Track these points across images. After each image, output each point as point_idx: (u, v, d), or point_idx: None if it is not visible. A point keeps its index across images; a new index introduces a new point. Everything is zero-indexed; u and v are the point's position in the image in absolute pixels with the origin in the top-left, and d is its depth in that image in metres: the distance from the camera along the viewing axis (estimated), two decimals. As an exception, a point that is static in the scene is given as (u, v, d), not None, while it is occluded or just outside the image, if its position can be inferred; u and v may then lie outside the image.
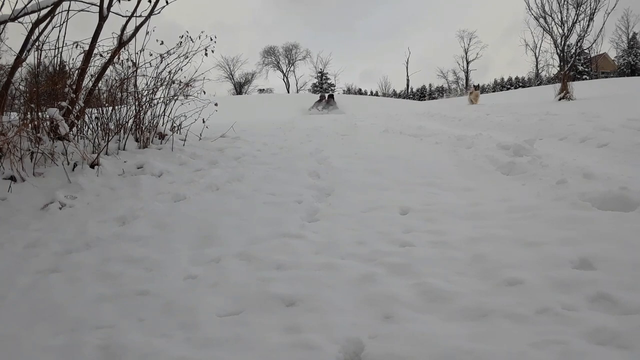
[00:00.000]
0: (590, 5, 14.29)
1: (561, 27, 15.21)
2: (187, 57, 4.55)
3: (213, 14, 60.09)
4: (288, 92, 41.71)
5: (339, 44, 67.95)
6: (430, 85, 49.36)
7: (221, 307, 1.66)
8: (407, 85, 45.58)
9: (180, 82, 4.57)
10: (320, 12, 64.76)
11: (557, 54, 15.42)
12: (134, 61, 4.33)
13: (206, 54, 4.63)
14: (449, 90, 44.53)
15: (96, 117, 4.19)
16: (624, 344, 1.24)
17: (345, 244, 2.17)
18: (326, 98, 16.38)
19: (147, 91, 4.42)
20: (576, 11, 14.79)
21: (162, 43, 4.42)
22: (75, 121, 3.89)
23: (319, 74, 44.92)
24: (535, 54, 32.53)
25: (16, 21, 3.39)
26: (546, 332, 1.33)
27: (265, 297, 1.69)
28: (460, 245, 2.03)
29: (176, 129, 4.65)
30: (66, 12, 3.78)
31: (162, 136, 4.53)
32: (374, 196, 2.92)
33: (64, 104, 3.65)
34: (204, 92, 4.70)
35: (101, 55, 4.11)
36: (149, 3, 4.21)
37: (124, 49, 4.22)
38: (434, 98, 42.15)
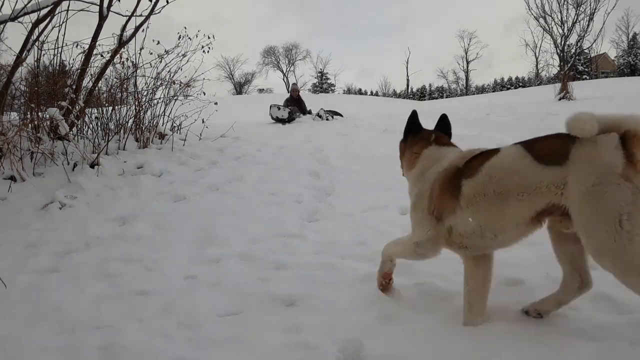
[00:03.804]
0: (590, 5, 14.32)
1: (561, 27, 15.23)
2: (186, 55, 4.56)
3: (208, 8, 60.03)
4: (288, 92, 41.74)
5: (339, 43, 68.06)
6: (430, 85, 49.41)
7: (221, 307, 1.66)
8: (407, 85, 45.63)
9: (181, 82, 4.57)
10: (320, 10, 64.83)
11: (557, 54, 15.44)
12: (134, 61, 4.33)
13: (204, 52, 4.64)
14: (449, 91, 44.59)
15: (96, 117, 4.19)
16: (625, 343, 1.24)
17: (345, 244, 2.17)
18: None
19: (147, 91, 4.42)
20: (576, 11, 14.83)
21: (158, 43, 4.42)
22: (75, 121, 3.90)
23: (319, 74, 44.96)
24: (535, 54, 32.60)
25: (16, 21, 3.39)
26: (546, 332, 1.33)
27: (265, 297, 1.70)
28: (460, 245, 2.03)
29: (176, 129, 4.65)
30: (66, 11, 3.79)
31: (162, 136, 4.53)
32: (374, 196, 2.92)
33: (64, 103, 3.66)
34: (204, 93, 4.71)
35: (101, 56, 4.12)
36: (149, 2, 4.21)
37: (124, 48, 4.22)
38: (434, 98, 42.16)
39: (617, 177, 1.09)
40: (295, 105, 9.24)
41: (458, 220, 1.38)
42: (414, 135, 1.69)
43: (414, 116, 1.73)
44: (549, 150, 1.25)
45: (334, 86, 45.10)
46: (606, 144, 1.13)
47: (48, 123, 3.60)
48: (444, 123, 1.74)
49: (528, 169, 1.26)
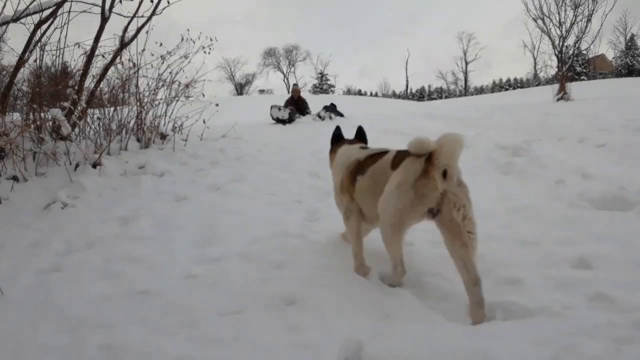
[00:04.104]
0: (588, 6, 14.34)
1: (559, 28, 15.24)
2: (187, 57, 4.58)
3: (209, 9, 60.00)
4: (288, 92, 41.83)
5: (339, 44, 68.08)
6: (429, 86, 49.48)
7: (222, 306, 1.67)
8: (407, 86, 45.69)
9: (180, 83, 4.59)
10: (320, 11, 64.85)
11: (555, 55, 15.44)
12: (136, 62, 4.34)
13: (205, 53, 4.66)
14: (448, 92, 44.66)
15: (98, 118, 4.20)
16: (622, 342, 1.26)
17: (345, 244, 2.18)
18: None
19: (148, 92, 4.43)
20: (574, 12, 14.83)
21: (161, 45, 4.44)
22: (78, 122, 3.91)
23: (319, 75, 45.03)
24: (533, 55, 32.65)
25: (18, 22, 3.41)
26: (545, 331, 1.35)
27: (265, 297, 1.70)
28: (459, 245, 2.04)
29: (177, 129, 4.66)
30: (68, 13, 3.80)
31: (163, 136, 4.54)
32: (374, 196, 2.93)
33: (66, 104, 3.66)
34: (203, 95, 4.73)
35: (103, 57, 4.13)
36: (151, 3, 4.23)
37: (126, 49, 4.24)
38: (433, 99, 42.22)
39: (408, 185, 1.56)
40: (295, 106, 9.08)
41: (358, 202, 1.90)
42: (337, 143, 2.24)
43: (337, 131, 2.30)
44: (398, 160, 1.69)
45: (334, 87, 45.17)
46: (415, 161, 1.57)
47: (50, 123, 3.62)
48: (360, 133, 2.26)
49: (388, 173, 1.71)
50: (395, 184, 1.60)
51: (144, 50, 4.33)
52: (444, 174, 1.50)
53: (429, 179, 1.51)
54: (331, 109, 9.00)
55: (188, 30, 4.59)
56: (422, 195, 1.53)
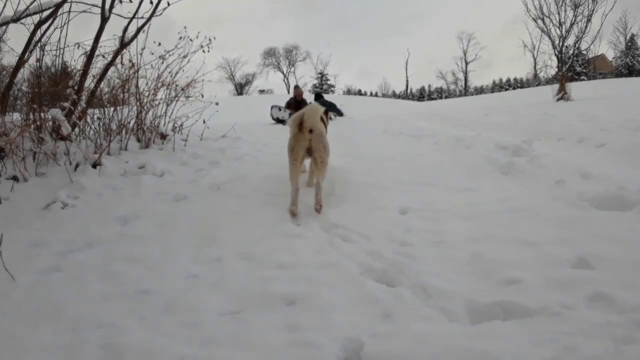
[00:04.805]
0: (588, 6, 14.32)
1: (559, 28, 15.23)
2: (187, 56, 4.57)
3: (209, 9, 59.96)
4: (288, 92, 41.86)
5: (338, 44, 68.06)
6: (429, 86, 49.48)
7: (222, 305, 1.68)
8: (407, 86, 45.73)
9: (177, 85, 4.58)
10: (319, 11, 64.82)
11: (555, 55, 15.43)
12: (136, 62, 4.34)
13: (204, 51, 4.65)
14: (448, 91, 44.68)
15: (98, 118, 4.20)
16: (622, 342, 1.26)
17: (345, 243, 2.18)
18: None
19: (148, 92, 4.43)
20: (574, 12, 14.80)
21: (159, 44, 4.43)
22: (78, 122, 3.91)
23: (319, 75, 45.07)
24: (533, 55, 32.66)
25: (18, 22, 3.41)
26: (545, 331, 1.35)
27: (265, 296, 1.71)
28: (459, 245, 2.05)
29: (177, 129, 4.66)
30: (67, 13, 3.80)
31: (163, 136, 4.54)
32: (374, 196, 2.94)
33: (66, 104, 3.67)
34: (202, 96, 4.72)
35: (103, 57, 4.13)
36: (150, 4, 4.23)
37: (126, 49, 4.24)
38: (433, 99, 42.27)
39: (292, 137, 2.79)
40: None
41: None
42: None
43: None
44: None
45: (334, 87, 45.22)
46: (293, 125, 2.76)
47: (50, 124, 3.62)
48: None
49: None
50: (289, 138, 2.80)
51: (143, 49, 4.33)
52: (311, 131, 2.66)
53: (302, 133, 2.68)
54: (328, 107, 8.87)
55: (185, 27, 4.58)
56: (298, 142, 2.70)
